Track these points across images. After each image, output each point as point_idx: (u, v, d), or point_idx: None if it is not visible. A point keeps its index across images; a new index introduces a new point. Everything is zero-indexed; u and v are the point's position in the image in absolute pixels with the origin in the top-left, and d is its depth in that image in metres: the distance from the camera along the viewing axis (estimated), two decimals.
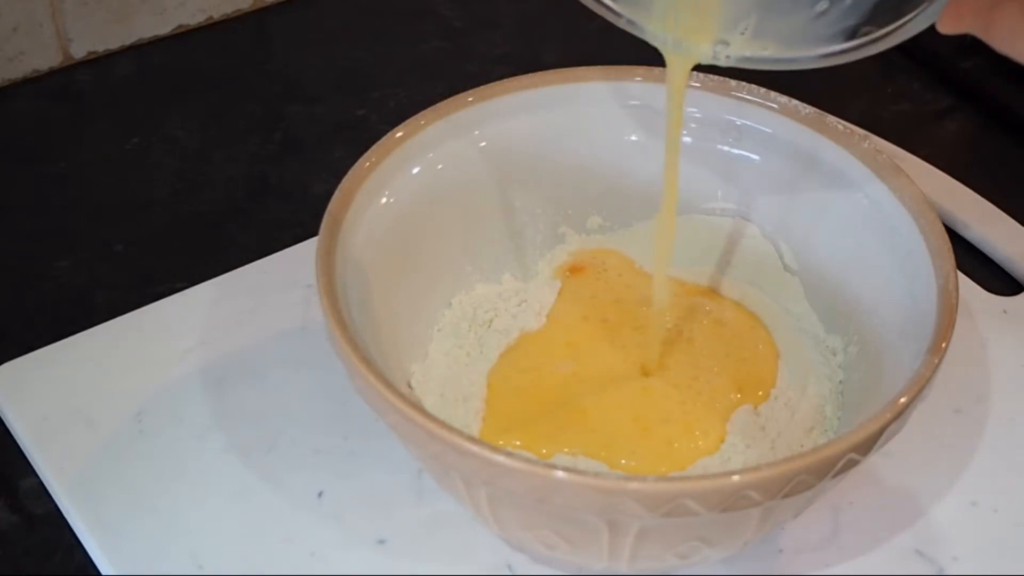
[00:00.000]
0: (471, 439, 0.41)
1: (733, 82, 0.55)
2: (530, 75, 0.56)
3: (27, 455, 0.54)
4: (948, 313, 0.46)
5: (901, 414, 0.43)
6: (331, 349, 0.46)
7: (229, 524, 0.51)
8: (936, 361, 0.44)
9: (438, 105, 0.54)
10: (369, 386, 0.43)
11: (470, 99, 0.54)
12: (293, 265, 0.62)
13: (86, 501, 0.52)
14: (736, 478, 0.40)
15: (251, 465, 0.53)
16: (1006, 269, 0.65)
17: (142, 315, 0.60)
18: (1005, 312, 0.62)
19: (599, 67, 0.56)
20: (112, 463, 0.53)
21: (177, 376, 0.57)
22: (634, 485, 0.40)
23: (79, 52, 0.77)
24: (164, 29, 0.79)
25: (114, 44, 0.78)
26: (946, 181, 0.67)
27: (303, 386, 0.56)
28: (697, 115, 0.56)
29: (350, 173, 0.51)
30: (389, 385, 0.43)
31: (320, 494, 0.52)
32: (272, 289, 0.61)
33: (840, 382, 0.53)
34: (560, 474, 0.40)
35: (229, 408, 0.56)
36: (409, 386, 0.52)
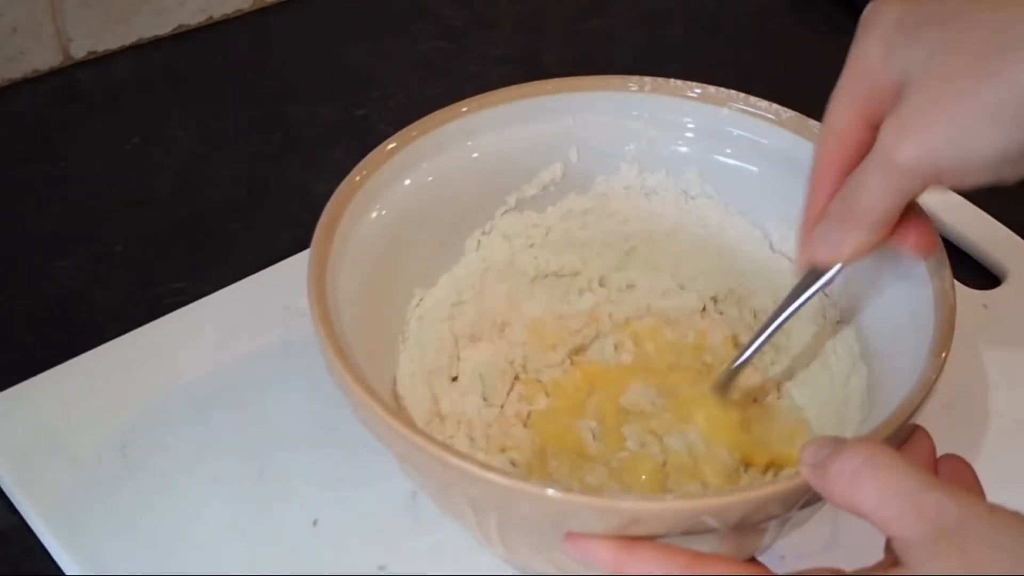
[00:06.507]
0: (485, 466, 0.41)
1: (733, 92, 0.55)
2: (524, 85, 0.55)
3: (9, 496, 0.53)
4: (948, 313, 0.46)
5: (912, 416, 0.43)
6: (323, 369, 0.45)
7: (225, 557, 0.50)
8: (942, 362, 0.44)
9: (431, 115, 0.53)
10: (375, 416, 0.43)
11: (464, 109, 0.53)
12: (267, 286, 0.62)
13: (75, 540, 0.51)
14: (755, 492, 0.40)
15: (242, 495, 0.52)
16: (983, 264, 0.66)
17: (120, 345, 0.59)
18: (985, 306, 0.63)
19: (594, 77, 0.56)
20: (99, 499, 0.52)
21: (160, 407, 0.56)
22: (655, 505, 0.40)
23: (79, 52, 0.77)
24: (164, 29, 0.79)
25: (114, 44, 0.78)
26: None
27: (288, 411, 0.56)
28: (691, 125, 0.56)
29: (340, 187, 0.50)
30: (396, 415, 0.42)
31: (315, 522, 0.52)
32: (249, 313, 0.60)
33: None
34: (580, 498, 0.40)
35: (215, 437, 0.55)
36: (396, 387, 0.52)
